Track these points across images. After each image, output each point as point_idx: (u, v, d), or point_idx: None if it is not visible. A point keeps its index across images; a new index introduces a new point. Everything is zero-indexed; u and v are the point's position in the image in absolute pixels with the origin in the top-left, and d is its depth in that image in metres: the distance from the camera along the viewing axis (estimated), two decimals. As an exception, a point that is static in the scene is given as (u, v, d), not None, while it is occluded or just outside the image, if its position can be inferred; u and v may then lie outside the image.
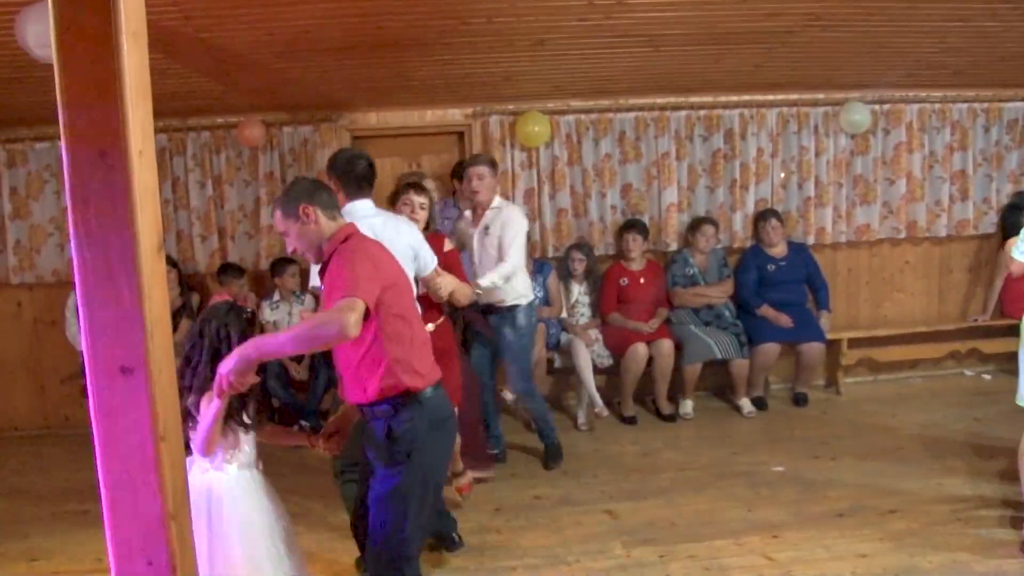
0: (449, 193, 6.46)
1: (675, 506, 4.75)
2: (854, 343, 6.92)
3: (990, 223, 7.11)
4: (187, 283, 6.37)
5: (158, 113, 1.96)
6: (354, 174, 3.99)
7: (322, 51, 5.01)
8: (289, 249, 3.11)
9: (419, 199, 4.54)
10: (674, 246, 6.83)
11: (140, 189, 1.85)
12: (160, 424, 1.87)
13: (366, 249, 2.94)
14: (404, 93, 6.20)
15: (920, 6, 4.84)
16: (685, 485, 5.06)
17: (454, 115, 6.69)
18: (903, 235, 7.13)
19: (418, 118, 6.66)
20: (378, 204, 4.11)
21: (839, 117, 6.83)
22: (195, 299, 6.34)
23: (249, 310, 3.14)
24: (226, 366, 2.61)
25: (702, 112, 6.77)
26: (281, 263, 6.34)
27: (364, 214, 3.89)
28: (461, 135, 6.78)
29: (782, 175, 6.95)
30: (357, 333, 2.65)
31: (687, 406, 6.45)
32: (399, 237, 3.89)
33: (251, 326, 3.07)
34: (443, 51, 5.21)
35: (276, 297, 6.36)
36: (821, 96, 6.80)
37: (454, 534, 4.28)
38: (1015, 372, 4.13)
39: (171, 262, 6.07)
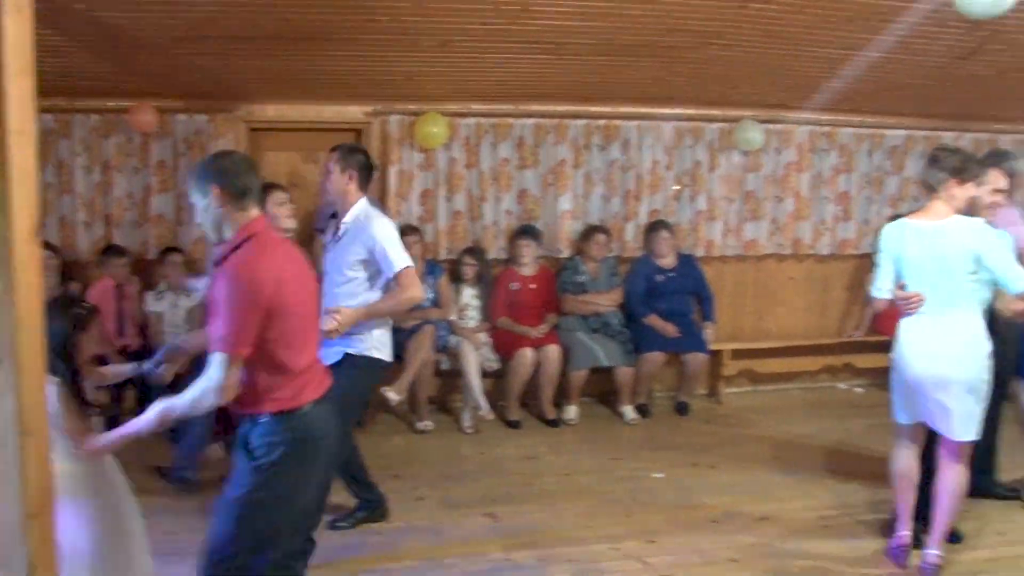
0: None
1: (556, 510, 4.80)
2: (736, 354, 7.12)
3: (869, 244, 7.37)
4: (68, 271, 6.10)
5: (45, 93, 1.88)
6: (361, 166, 4.09)
7: (223, 38, 4.91)
8: (197, 220, 2.95)
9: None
10: (566, 253, 6.89)
11: (17, 169, 1.77)
12: (25, 418, 1.79)
13: (254, 271, 2.68)
14: (304, 87, 6.10)
15: (815, 33, 5.04)
16: (566, 489, 5.13)
17: (354, 112, 6.58)
18: (788, 251, 7.37)
19: (316, 113, 6.53)
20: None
21: (733, 134, 7.00)
22: (75, 288, 6.08)
23: (87, 307, 3.09)
24: (146, 423, 2.73)
25: (601, 122, 6.84)
26: (166, 252, 6.14)
27: (370, 213, 4.04)
28: (359, 132, 6.69)
29: (676, 188, 7.08)
30: (237, 390, 2.68)
31: (571, 412, 6.51)
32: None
33: (82, 326, 3.01)
34: (347, 46, 5.16)
35: (162, 287, 6.16)
36: (717, 113, 6.95)
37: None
38: (886, 387, 4.27)
39: (52, 248, 5.82)
